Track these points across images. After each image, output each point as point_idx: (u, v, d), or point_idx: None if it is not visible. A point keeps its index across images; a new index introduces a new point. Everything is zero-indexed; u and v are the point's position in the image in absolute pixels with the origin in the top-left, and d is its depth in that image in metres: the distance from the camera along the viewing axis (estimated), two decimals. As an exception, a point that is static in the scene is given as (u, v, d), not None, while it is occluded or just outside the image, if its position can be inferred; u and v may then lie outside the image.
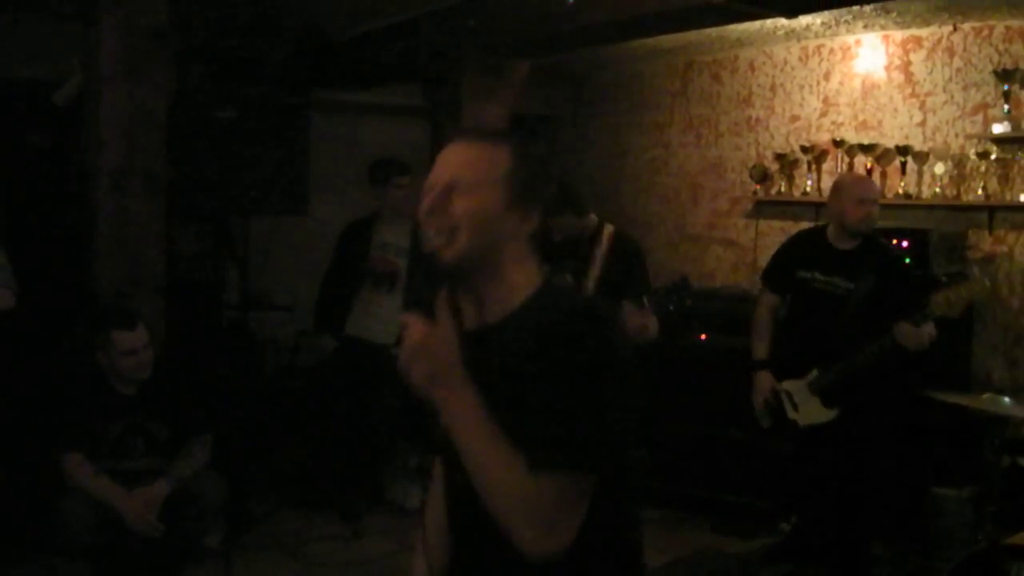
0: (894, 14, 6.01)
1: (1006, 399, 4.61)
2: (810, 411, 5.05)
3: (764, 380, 5.18)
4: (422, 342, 1.85)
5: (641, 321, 4.50)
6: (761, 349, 5.26)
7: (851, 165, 6.65)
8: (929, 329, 4.64)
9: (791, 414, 5.11)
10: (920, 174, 6.30)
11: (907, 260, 5.31)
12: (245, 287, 5.70)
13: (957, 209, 6.14)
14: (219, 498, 4.71)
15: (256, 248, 6.02)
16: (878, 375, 4.92)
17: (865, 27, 6.45)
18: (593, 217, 5.01)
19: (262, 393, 6.41)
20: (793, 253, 5.27)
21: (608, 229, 5.05)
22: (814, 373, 5.01)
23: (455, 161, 2.00)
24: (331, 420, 6.21)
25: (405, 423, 6.38)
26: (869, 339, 4.80)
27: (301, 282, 6.72)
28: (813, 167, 6.87)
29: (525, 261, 2.02)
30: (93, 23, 5.17)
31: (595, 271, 4.96)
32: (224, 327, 6.66)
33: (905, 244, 5.80)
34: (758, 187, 7.21)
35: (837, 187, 5.09)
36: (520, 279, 2.00)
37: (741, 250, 7.44)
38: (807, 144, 6.89)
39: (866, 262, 4.95)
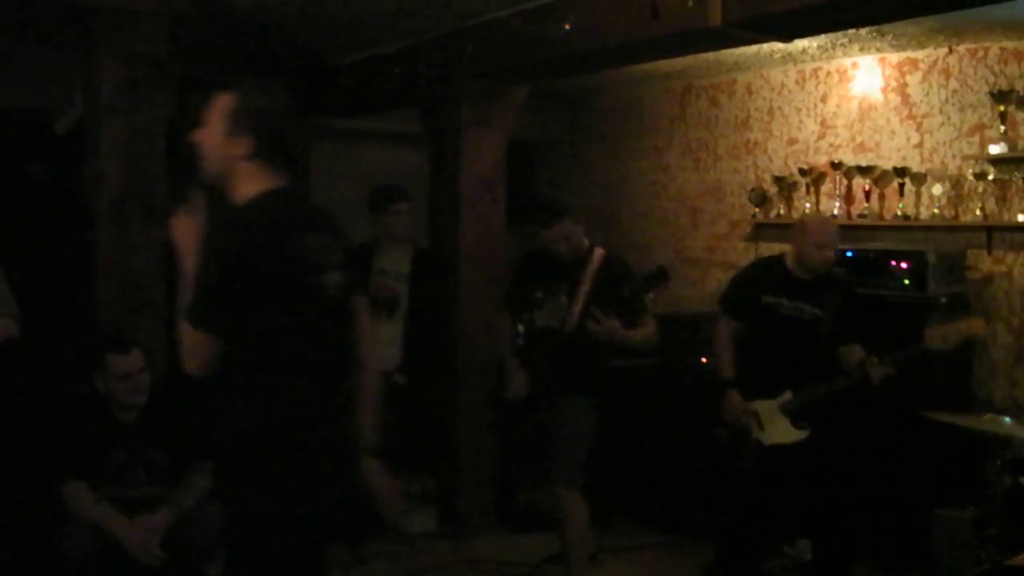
0: (890, 37, 6.04)
1: (1007, 420, 4.63)
2: (778, 431, 5.21)
3: (735, 398, 5.31)
4: (184, 228, 2.96)
5: (604, 326, 4.74)
6: (727, 368, 5.41)
7: (849, 187, 6.67)
8: (888, 370, 4.99)
9: (756, 433, 5.25)
10: (918, 195, 6.31)
11: (858, 289, 5.58)
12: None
13: (955, 230, 6.15)
14: (221, 526, 4.68)
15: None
16: (854, 398, 5.16)
17: (861, 50, 6.48)
18: (568, 227, 5.02)
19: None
20: (754, 280, 5.48)
21: (599, 252, 5.09)
22: (787, 394, 5.20)
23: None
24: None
25: (407, 449, 6.37)
26: (838, 365, 5.13)
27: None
28: (812, 189, 6.89)
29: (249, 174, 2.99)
30: (93, 52, 5.19)
31: (584, 286, 4.99)
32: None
33: (904, 265, 5.82)
34: (757, 210, 7.22)
35: (800, 228, 5.39)
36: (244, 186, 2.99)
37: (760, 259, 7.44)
38: (805, 167, 6.91)
39: (828, 290, 5.25)
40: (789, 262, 5.38)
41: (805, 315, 5.23)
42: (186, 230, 2.94)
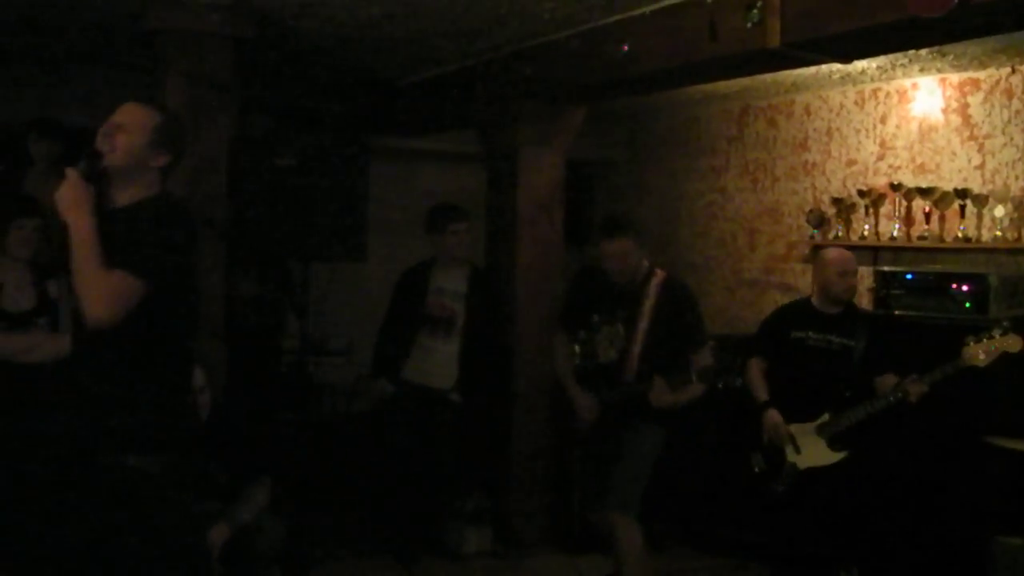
0: (951, 57, 5.99)
1: (1071, 445, 4.55)
2: (814, 454, 5.28)
3: (775, 416, 5.39)
4: (74, 183, 3.17)
5: (670, 399, 4.87)
6: (762, 393, 5.52)
7: (909, 208, 6.61)
8: (923, 388, 5.01)
9: (791, 457, 5.32)
10: (979, 217, 6.24)
11: (895, 312, 5.91)
12: (304, 332, 5.76)
13: (1018, 252, 6.07)
14: (277, 541, 4.73)
15: (315, 293, 6.08)
16: (897, 421, 5.23)
17: (921, 70, 6.43)
18: (627, 244, 4.99)
19: (320, 437, 6.45)
20: (783, 319, 5.67)
21: (658, 275, 5.07)
22: (825, 416, 5.27)
23: (125, 112, 3.33)
24: (388, 464, 6.23)
25: (462, 468, 6.40)
26: (873, 392, 5.19)
27: (359, 327, 6.78)
28: (871, 211, 6.83)
29: (153, 182, 3.32)
30: (159, 73, 5.29)
31: (644, 322, 4.97)
32: (283, 371, 6.73)
33: (965, 288, 5.75)
34: (815, 232, 7.18)
35: (821, 261, 5.62)
36: (142, 189, 3.29)
37: (798, 295, 7.39)
38: (864, 188, 6.86)
39: (854, 323, 5.41)
40: (815, 300, 5.55)
41: (833, 345, 5.37)
42: (78, 191, 3.17)
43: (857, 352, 5.30)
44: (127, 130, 3.27)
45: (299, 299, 5.76)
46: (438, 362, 6.06)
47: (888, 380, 5.18)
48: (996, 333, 4.91)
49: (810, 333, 5.42)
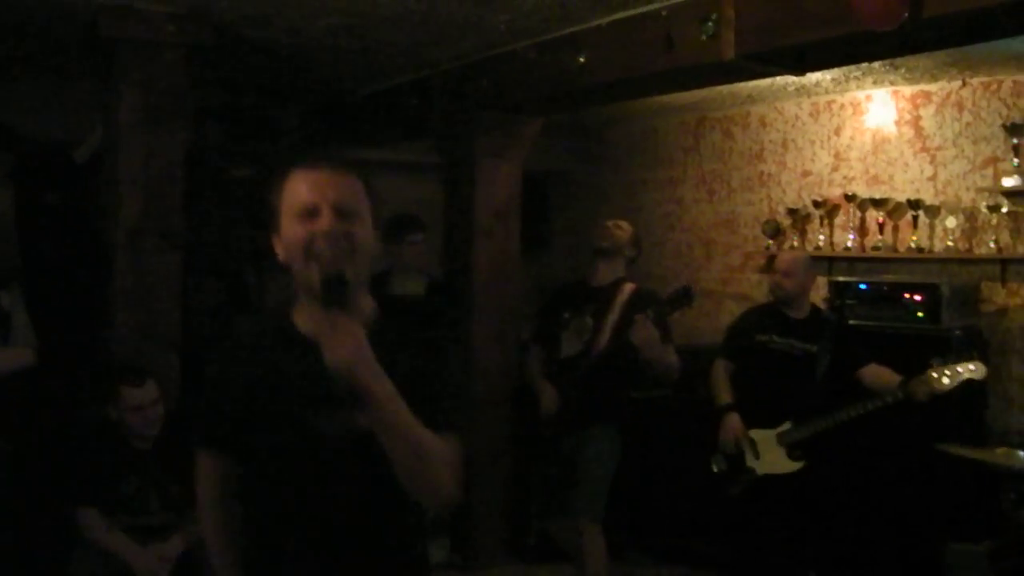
0: (903, 70, 6.06)
1: (1022, 453, 4.61)
2: (773, 461, 5.29)
3: (735, 420, 5.39)
4: (357, 336, 2.04)
5: (646, 331, 4.73)
6: (725, 395, 5.51)
7: (863, 219, 6.68)
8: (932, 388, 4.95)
9: (750, 462, 5.34)
10: (932, 228, 6.32)
11: (849, 321, 5.87)
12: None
13: (969, 262, 6.16)
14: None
15: (270, 303, 6.05)
16: (851, 430, 5.19)
17: (875, 83, 6.50)
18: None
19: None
20: (749, 322, 5.67)
21: (628, 286, 5.17)
22: (786, 425, 5.27)
23: (337, 186, 2.26)
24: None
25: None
26: (838, 397, 5.19)
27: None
28: (825, 222, 6.89)
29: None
30: (112, 81, 5.25)
31: (613, 315, 5.04)
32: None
33: (917, 298, 5.82)
34: (771, 242, 7.24)
35: (771, 263, 5.81)
36: (367, 298, 2.38)
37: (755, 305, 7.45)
38: (819, 199, 6.92)
39: (818, 328, 5.41)
40: (779, 304, 5.56)
41: (796, 350, 5.37)
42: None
43: (820, 358, 5.33)
44: (357, 218, 2.29)
45: (256, 309, 5.73)
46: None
47: (884, 375, 5.16)
48: (962, 357, 4.95)
49: (774, 337, 5.43)
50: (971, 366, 4.90)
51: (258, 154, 5.53)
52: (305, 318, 2.28)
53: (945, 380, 4.87)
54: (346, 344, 2.01)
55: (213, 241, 5.48)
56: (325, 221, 2.19)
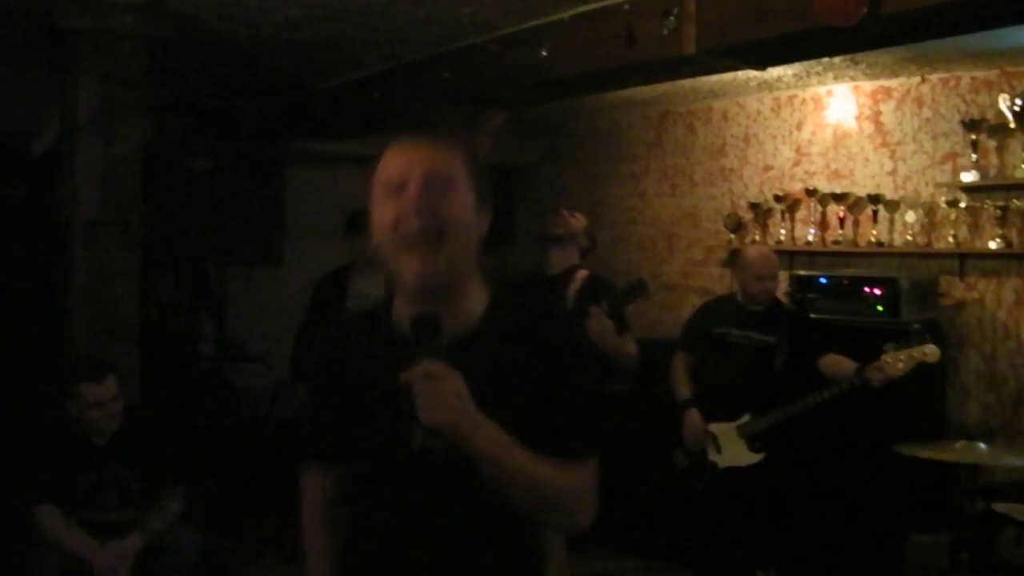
0: (863, 65, 6.10)
1: (980, 445, 4.66)
2: (734, 454, 5.31)
3: (695, 416, 5.41)
4: (449, 382, 1.78)
5: (601, 324, 4.60)
6: (685, 390, 5.52)
7: (823, 214, 6.72)
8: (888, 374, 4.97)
9: (712, 456, 5.36)
10: (891, 222, 6.37)
11: (810, 314, 5.84)
12: (221, 337, 5.69)
13: (928, 257, 6.21)
14: (194, 551, 4.66)
15: (231, 298, 6.01)
16: (810, 421, 5.21)
17: (835, 78, 6.54)
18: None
19: (238, 443, 6.38)
20: (707, 315, 5.68)
21: (581, 272, 5.12)
22: (745, 417, 5.29)
23: (426, 158, 1.97)
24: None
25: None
26: (796, 389, 5.18)
27: (276, 331, 6.71)
28: (787, 216, 6.93)
29: (479, 266, 2.04)
30: (70, 74, 5.19)
31: (567, 305, 5.02)
32: (200, 377, 6.64)
33: (877, 291, 5.86)
34: (733, 236, 7.26)
35: (740, 262, 5.60)
36: (479, 284, 2.04)
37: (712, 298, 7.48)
38: (780, 193, 6.96)
39: (775, 319, 5.40)
40: (739, 296, 5.55)
41: (754, 342, 5.37)
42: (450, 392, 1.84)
43: (778, 350, 5.34)
44: (448, 190, 1.97)
45: (215, 304, 5.69)
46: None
47: (842, 363, 5.15)
48: (915, 342, 4.98)
49: (732, 330, 5.43)
50: (925, 350, 4.94)
51: (218, 147, 5.48)
52: (403, 316, 1.98)
53: (900, 365, 4.92)
54: (442, 401, 1.75)
55: (173, 234, 5.43)
56: (411, 195, 1.93)
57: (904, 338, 5.04)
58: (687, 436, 5.41)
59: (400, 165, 1.98)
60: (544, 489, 1.89)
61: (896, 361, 4.93)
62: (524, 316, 2.01)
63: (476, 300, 2.02)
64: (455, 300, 1.96)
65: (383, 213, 1.97)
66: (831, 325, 5.84)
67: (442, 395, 1.75)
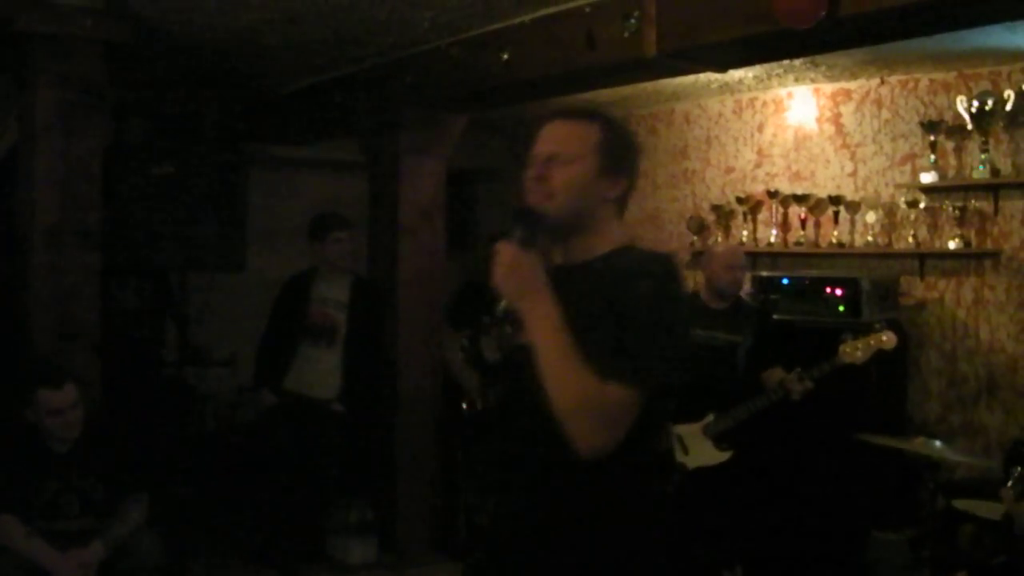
0: (823, 67, 6.15)
1: (938, 443, 4.70)
2: (701, 454, 5.33)
3: None
4: (511, 261, 2.24)
5: None
6: None
7: (785, 215, 6.77)
8: (807, 384, 5.11)
9: (680, 457, 5.35)
10: (852, 223, 6.42)
11: (773, 314, 5.87)
12: (183, 342, 5.65)
13: (889, 257, 6.27)
14: (156, 558, 4.62)
15: (194, 303, 5.98)
16: (781, 420, 5.29)
17: (796, 80, 6.59)
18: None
19: (201, 449, 6.34)
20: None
21: None
22: (709, 417, 5.32)
23: (554, 136, 2.42)
24: (271, 476, 6.15)
25: (346, 478, 6.34)
26: (760, 387, 5.26)
27: (240, 337, 6.67)
28: (749, 218, 6.97)
29: (610, 221, 2.43)
30: (28, 77, 5.15)
31: None
32: (162, 383, 6.59)
33: (839, 292, 5.90)
34: (695, 238, 7.30)
35: (709, 255, 5.64)
36: (604, 236, 2.41)
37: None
38: (742, 195, 7.00)
39: (740, 317, 5.46)
40: (703, 295, 5.57)
41: (718, 341, 5.40)
42: (524, 270, 2.26)
43: (743, 348, 5.38)
44: (566, 160, 2.37)
45: (178, 309, 5.65)
46: (320, 372, 5.99)
47: (775, 375, 5.25)
48: (873, 331, 5.07)
49: (697, 331, 5.40)
50: (882, 336, 5.03)
51: (179, 151, 5.44)
52: None
53: (859, 353, 5.00)
54: (514, 273, 2.23)
55: (134, 239, 5.38)
56: (532, 169, 2.41)
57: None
58: None
59: (534, 142, 2.45)
60: (573, 385, 2.14)
61: (854, 350, 5.01)
62: (632, 264, 2.32)
63: (599, 245, 2.39)
64: (576, 242, 2.40)
65: (521, 183, 2.44)
66: (793, 325, 5.88)
67: (517, 268, 2.23)
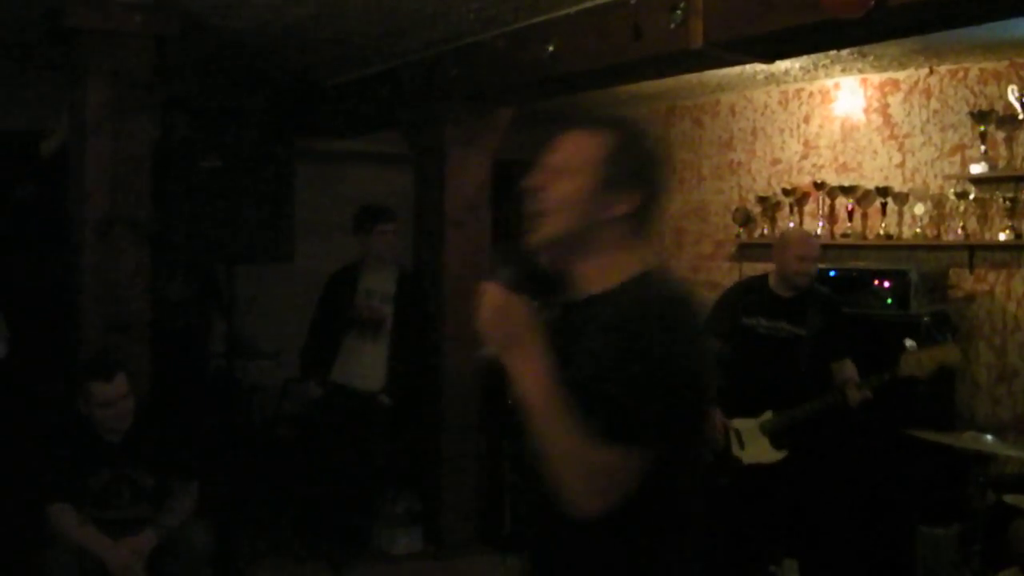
0: (871, 58, 6.09)
1: (989, 437, 4.65)
2: (757, 450, 5.29)
3: (717, 416, 5.30)
4: (499, 307, 2.04)
5: None
6: None
7: (832, 207, 6.71)
8: (866, 394, 5.03)
9: (736, 451, 5.31)
10: (900, 215, 6.36)
11: (843, 307, 5.62)
12: (231, 334, 5.69)
13: (938, 249, 6.20)
14: (206, 547, 4.68)
15: (242, 295, 6.01)
16: (836, 418, 5.19)
17: (843, 71, 6.53)
18: None
19: (249, 440, 6.40)
20: (736, 301, 5.54)
21: None
22: (768, 414, 5.27)
23: (556, 148, 2.20)
24: (317, 467, 6.20)
25: (392, 469, 6.38)
26: (821, 384, 5.17)
27: (287, 329, 6.73)
28: (795, 209, 6.93)
29: (623, 243, 2.14)
30: (79, 73, 5.21)
31: None
32: (210, 374, 6.66)
33: (887, 284, 5.85)
34: (741, 230, 7.26)
35: (782, 242, 5.47)
36: (616, 261, 2.13)
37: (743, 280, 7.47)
38: (788, 187, 6.95)
39: (808, 308, 5.30)
40: (772, 281, 5.46)
41: (782, 334, 5.31)
42: (511, 317, 2.07)
43: (807, 341, 5.26)
44: (564, 174, 2.17)
45: (226, 302, 5.69)
46: (367, 364, 6.03)
47: (845, 369, 5.18)
48: (938, 342, 4.96)
49: (761, 320, 5.35)
50: (948, 352, 4.93)
51: (226, 145, 5.47)
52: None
53: (921, 367, 4.89)
54: (500, 320, 2.03)
55: (182, 232, 5.43)
56: (528, 182, 2.23)
57: (914, 331, 5.03)
58: (711, 435, 5.31)
59: (538, 154, 2.24)
60: (559, 444, 1.94)
61: (918, 363, 4.90)
62: (640, 305, 2.05)
63: (610, 273, 2.13)
64: (583, 269, 2.15)
65: None
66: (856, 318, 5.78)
67: (487, 309, 2.04)
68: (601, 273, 2.13)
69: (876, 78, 6.58)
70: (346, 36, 5.84)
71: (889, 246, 6.38)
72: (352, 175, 8.12)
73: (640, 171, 2.16)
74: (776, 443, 5.24)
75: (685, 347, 2.01)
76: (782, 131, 7.19)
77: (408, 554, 6.25)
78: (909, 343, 4.99)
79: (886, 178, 6.47)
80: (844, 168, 6.76)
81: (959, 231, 6.03)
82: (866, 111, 6.66)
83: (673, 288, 2.13)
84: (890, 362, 5.01)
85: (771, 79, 6.86)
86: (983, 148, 5.90)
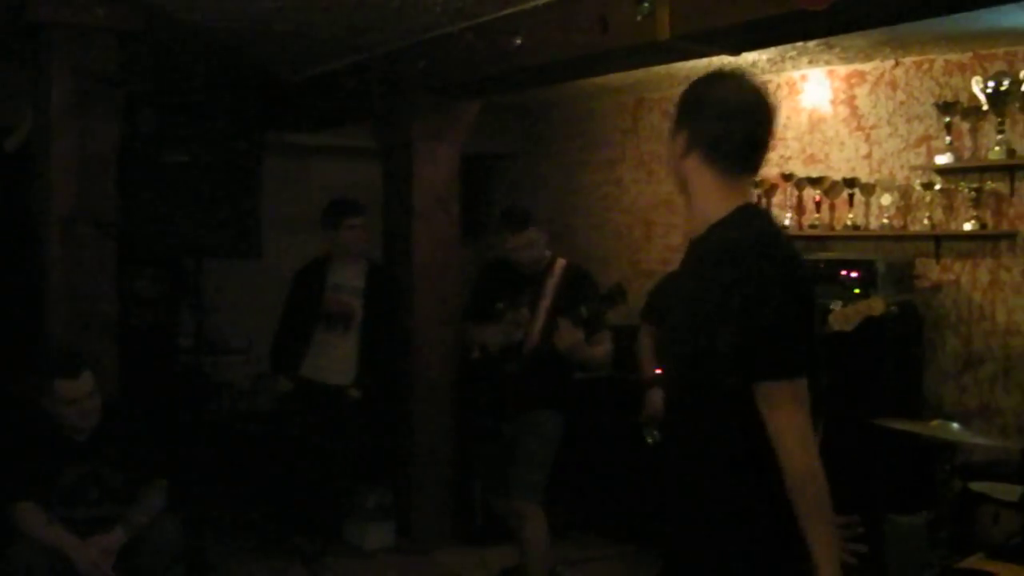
0: (837, 49, 6.12)
1: (955, 426, 4.69)
2: None
3: (656, 395, 5.32)
4: (571, 344, 2.60)
5: (570, 337, 4.66)
6: (648, 370, 5.47)
7: (800, 198, 6.75)
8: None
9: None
10: (867, 205, 6.40)
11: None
12: (199, 330, 5.66)
13: (904, 239, 6.24)
14: (176, 544, 4.65)
15: (210, 291, 5.99)
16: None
17: (810, 62, 6.56)
18: (532, 235, 5.09)
19: (218, 436, 6.37)
20: (666, 287, 5.53)
21: (560, 262, 5.14)
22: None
23: None
24: (288, 462, 6.18)
25: (363, 463, 6.37)
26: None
27: (256, 324, 6.70)
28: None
29: (703, 182, 2.44)
30: (43, 68, 5.16)
31: (546, 300, 5.03)
32: (179, 370, 6.62)
33: (854, 275, 5.89)
34: (709, 221, 7.27)
35: None
36: (707, 200, 2.44)
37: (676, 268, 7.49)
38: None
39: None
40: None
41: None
42: None
43: None
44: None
45: (194, 297, 5.66)
46: (336, 358, 6.02)
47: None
48: (860, 298, 5.00)
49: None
50: (871, 303, 4.96)
51: (192, 140, 5.44)
52: None
53: (847, 322, 4.93)
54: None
55: (149, 228, 5.40)
56: None
57: (879, 320, 5.06)
58: (648, 416, 5.40)
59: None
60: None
61: (844, 319, 4.93)
62: (732, 242, 2.35)
63: (708, 210, 2.45)
64: (692, 211, 2.50)
65: None
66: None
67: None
68: (701, 212, 2.45)
69: (843, 70, 6.62)
70: (312, 29, 5.81)
71: (856, 237, 6.42)
72: (320, 169, 8.10)
73: (686, 111, 2.48)
74: None
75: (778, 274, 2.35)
76: (749, 123, 7.20)
77: (380, 548, 6.25)
78: (834, 303, 5.02)
79: (853, 169, 6.51)
80: (812, 159, 6.79)
81: (925, 221, 6.08)
82: (833, 103, 6.69)
83: (764, 226, 2.42)
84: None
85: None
86: (948, 139, 5.94)
